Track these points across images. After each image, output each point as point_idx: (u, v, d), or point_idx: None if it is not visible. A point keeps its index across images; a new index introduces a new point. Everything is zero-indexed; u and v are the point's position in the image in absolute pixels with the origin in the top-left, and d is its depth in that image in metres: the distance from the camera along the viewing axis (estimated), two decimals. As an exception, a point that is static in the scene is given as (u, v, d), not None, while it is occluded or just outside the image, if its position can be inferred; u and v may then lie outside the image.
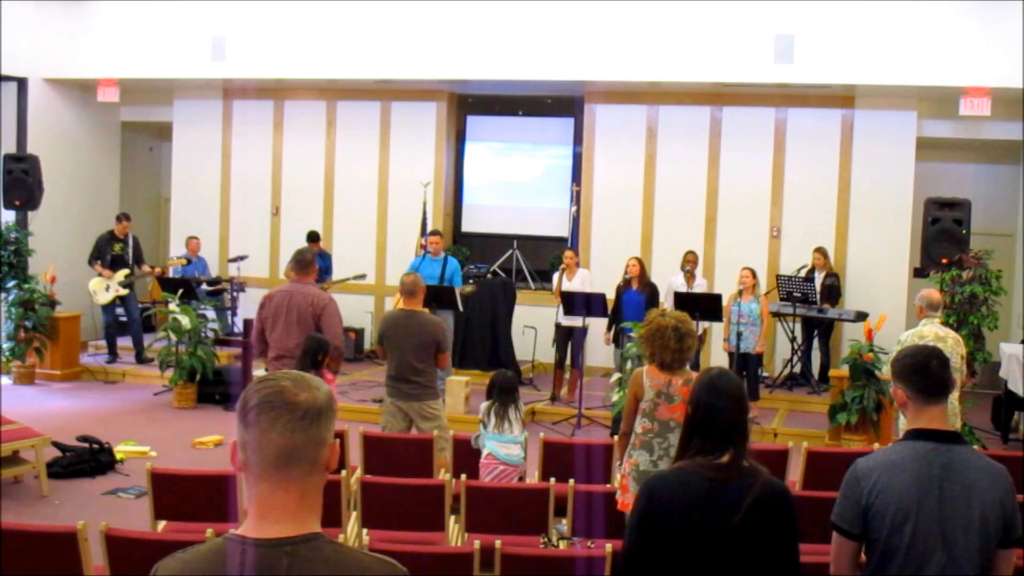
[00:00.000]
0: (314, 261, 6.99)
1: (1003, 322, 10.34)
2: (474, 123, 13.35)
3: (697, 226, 11.73)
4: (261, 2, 11.87)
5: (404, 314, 6.74)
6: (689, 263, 10.30)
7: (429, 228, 11.60)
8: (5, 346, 11.13)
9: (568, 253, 10.46)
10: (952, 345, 6.40)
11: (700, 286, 10.26)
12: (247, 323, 9.52)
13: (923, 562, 2.77)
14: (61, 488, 7.20)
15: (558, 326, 10.32)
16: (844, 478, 2.92)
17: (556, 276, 10.42)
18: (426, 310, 7.04)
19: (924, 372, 2.90)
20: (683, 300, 9.54)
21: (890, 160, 11.13)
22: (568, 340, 10.31)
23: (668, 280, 10.48)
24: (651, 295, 9.98)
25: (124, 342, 12.13)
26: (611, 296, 10.06)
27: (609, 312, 9.93)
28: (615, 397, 8.47)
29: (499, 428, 5.97)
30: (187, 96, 13.46)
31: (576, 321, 9.88)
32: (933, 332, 6.48)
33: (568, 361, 10.43)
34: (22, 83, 12.49)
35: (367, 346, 12.77)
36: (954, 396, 6.35)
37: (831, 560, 2.96)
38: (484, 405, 6.14)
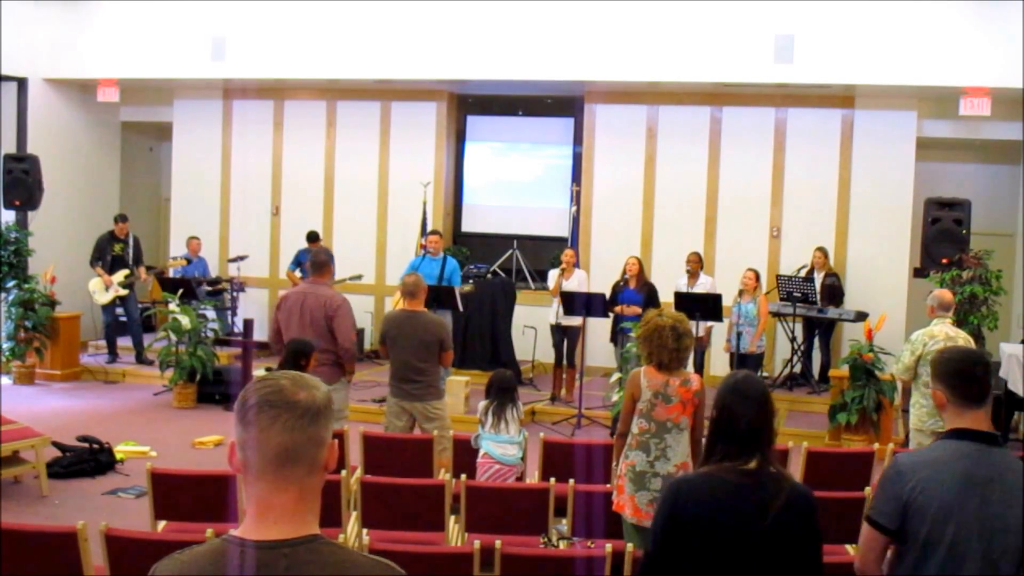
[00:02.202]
0: (329, 262, 6.93)
1: (1003, 322, 10.34)
2: (474, 123, 13.35)
3: (697, 226, 11.73)
4: (261, 2, 11.86)
5: (406, 314, 6.76)
6: (691, 263, 10.31)
7: (429, 228, 11.60)
8: (5, 346, 11.13)
9: (567, 253, 10.46)
10: (963, 345, 6.39)
11: (703, 285, 10.24)
12: (247, 323, 9.52)
13: (961, 562, 2.77)
14: (61, 488, 7.20)
15: (553, 326, 10.33)
16: (883, 473, 2.90)
17: (554, 275, 10.41)
18: (426, 310, 7.04)
19: (969, 377, 2.89)
20: (682, 300, 9.54)
21: (890, 160, 11.13)
22: (564, 339, 10.32)
23: (673, 282, 10.45)
24: (649, 295, 9.99)
25: (124, 342, 12.13)
26: (608, 294, 10.07)
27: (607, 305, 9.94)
28: (615, 397, 8.47)
29: (496, 428, 5.98)
30: (187, 96, 13.46)
31: (571, 320, 9.89)
32: (944, 332, 6.48)
33: (565, 361, 10.43)
34: (22, 83, 12.49)
35: (367, 346, 12.77)
36: None
37: (859, 553, 2.95)
38: (482, 404, 6.14)
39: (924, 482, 2.80)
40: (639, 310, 9.60)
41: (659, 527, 2.79)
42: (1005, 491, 2.79)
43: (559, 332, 10.32)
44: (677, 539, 2.73)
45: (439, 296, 9.28)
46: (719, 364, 10.64)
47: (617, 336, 10.08)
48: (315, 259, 6.91)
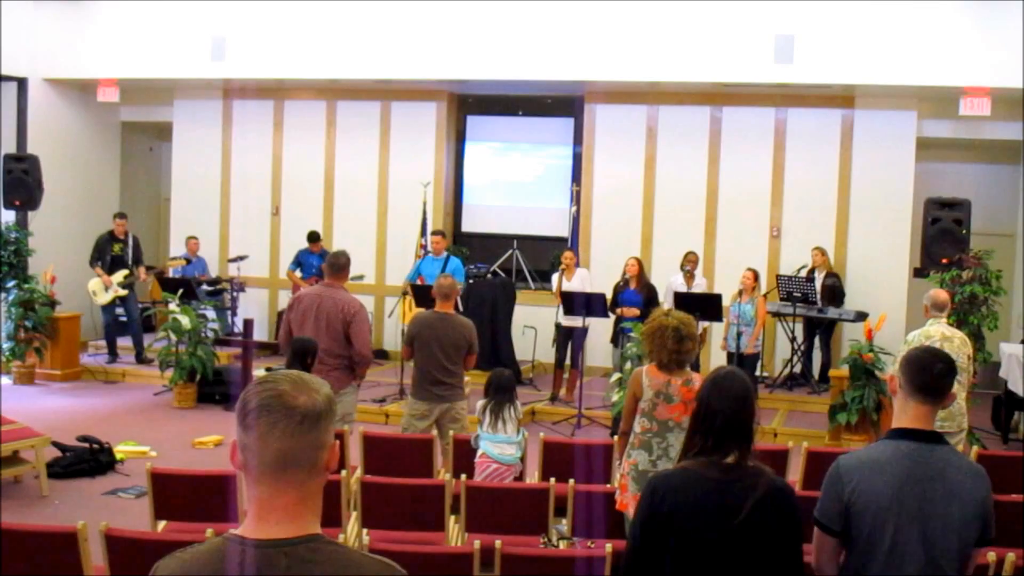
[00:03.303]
0: (348, 265, 6.81)
1: (1003, 322, 10.33)
2: (474, 123, 13.35)
3: (697, 226, 11.73)
4: (261, 2, 11.86)
5: (437, 316, 6.73)
6: (689, 263, 10.30)
7: (429, 228, 11.61)
8: (5, 346, 11.13)
9: (567, 254, 10.47)
10: (959, 345, 6.40)
11: (699, 286, 10.26)
12: (247, 323, 9.51)
13: (903, 561, 2.78)
14: (61, 488, 7.20)
15: (558, 326, 10.33)
16: (827, 474, 2.92)
17: (556, 277, 10.44)
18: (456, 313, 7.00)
19: (927, 370, 2.89)
20: (683, 300, 9.55)
21: (890, 160, 11.13)
22: (568, 340, 10.32)
23: (667, 280, 10.47)
24: (649, 295, 10.00)
25: (124, 342, 12.13)
26: (609, 296, 10.08)
27: (608, 306, 9.95)
28: (615, 397, 8.48)
29: (493, 427, 5.97)
30: (187, 96, 13.46)
31: (576, 321, 9.90)
32: (940, 332, 6.48)
33: (568, 361, 10.44)
34: (22, 83, 12.49)
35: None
36: (961, 396, 6.35)
37: (813, 554, 2.96)
38: (480, 404, 6.15)
39: (862, 484, 2.81)
40: (638, 312, 9.63)
41: (638, 524, 2.80)
42: (947, 489, 2.80)
43: (564, 333, 10.32)
44: (656, 535, 2.74)
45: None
46: (718, 364, 10.62)
47: (618, 337, 10.09)
48: (334, 261, 6.75)
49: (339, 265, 6.72)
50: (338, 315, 6.47)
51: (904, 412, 2.91)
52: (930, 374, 2.89)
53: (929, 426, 2.91)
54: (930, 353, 2.98)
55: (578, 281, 10.21)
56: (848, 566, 2.89)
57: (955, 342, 6.40)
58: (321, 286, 6.80)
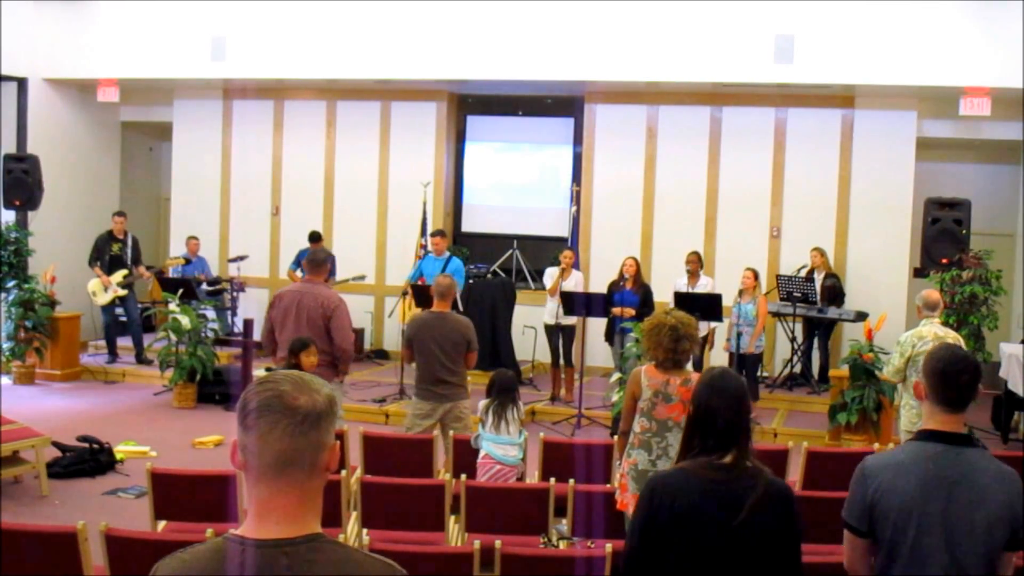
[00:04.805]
0: (327, 261, 6.89)
1: (1003, 322, 10.34)
2: (474, 123, 13.35)
3: (697, 226, 11.73)
4: (261, 2, 11.87)
5: (434, 315, 6.73)
6: (691, 263, 10.30)
7: (429, 228, 11.60)
8: (5, 346, 11.13)
9: (566, 253, 10.46)
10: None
11: (703, 286, 10.25)
12: (247, 323, 9.51)
13: (925, 564, 2.77)
14: (61, 488, 7.20)
15: (548, 326, 10.34)
16: (853, 475, 2.92)
17: (553, 274, 10.39)
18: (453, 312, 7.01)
19: (950, 382, 2.87)
20: (682, 300, 9.55)
21: (890, 160, 11.13)
22: (558, 338, 10.32)
23: (673, 281, 10.45)
24: (645, 296, 10.00)
25: (124, 342, 12.13)
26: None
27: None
28: (615, 397, 8.48)
29: (496, 428, 5.97)
30: (187, 96, 13.46)
31: (567, 319, 9.91)
32: (933, 332, 6.49)
33: (562, 360, 10.43)
34: (22, 83, 12.49)
35: (368, 346, 12.77)
36: None
37: (844, 555, 2.98)
38: (483, 404, 6.14)
39: (885, 485, 2.81)
40: (633, 312, 9.64)
41: (637, 524, 2.81)
42: (974, 492, 2.78)
43: (555, 332, 10.32)
44: (655, 535, 2.75)
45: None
46: (722, 364, 10.62)
47: (614, 336, 10.09)
48: (313, 257, 6.84)
49: (318, 261, 6.79)
50: (318, 310, 6.51)
51: (932, 416, 2.91)
52: (954, 387, 2.87)
53: (958, 428, 2.89)
54: (955, 365, 2.91)
55: (572, 284, 10.20)
56: (876, 566, 2.89)
57: (948, 341, 6.39)
58: (301, 283, 6.88)
